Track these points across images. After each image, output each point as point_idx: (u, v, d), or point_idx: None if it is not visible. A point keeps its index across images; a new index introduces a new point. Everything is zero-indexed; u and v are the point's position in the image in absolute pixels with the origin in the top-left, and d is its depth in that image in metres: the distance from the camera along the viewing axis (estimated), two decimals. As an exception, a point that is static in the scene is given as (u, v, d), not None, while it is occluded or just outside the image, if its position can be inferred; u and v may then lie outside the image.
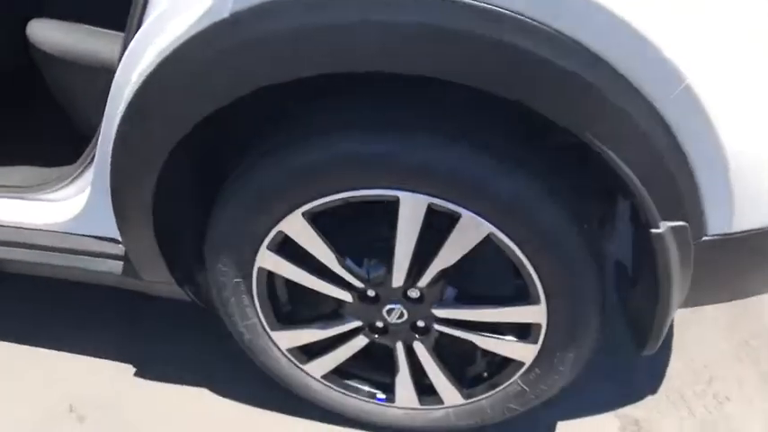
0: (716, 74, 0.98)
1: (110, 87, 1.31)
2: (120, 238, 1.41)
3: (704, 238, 1.12)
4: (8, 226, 1.48)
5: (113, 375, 1.69)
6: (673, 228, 1.09)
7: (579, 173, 1.22)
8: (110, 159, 1.19)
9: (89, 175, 1.38)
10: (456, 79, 0.95)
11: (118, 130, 1.13)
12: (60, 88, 1.51)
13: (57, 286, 1.75)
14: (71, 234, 1.45)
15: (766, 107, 1.03)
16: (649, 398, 1.60)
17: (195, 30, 0.98)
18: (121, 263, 1.44)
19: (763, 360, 1.69)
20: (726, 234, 1.12)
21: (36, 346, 1.76)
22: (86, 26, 1.46)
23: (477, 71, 0.95)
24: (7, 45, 1.63)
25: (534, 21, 0.92)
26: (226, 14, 0.95)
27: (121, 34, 1.44)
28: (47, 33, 1.46)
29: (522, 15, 0.92)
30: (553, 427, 1.54)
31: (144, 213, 1.23)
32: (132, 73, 1.11)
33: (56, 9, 1.53)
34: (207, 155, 1.25)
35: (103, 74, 1.38)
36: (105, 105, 1.30)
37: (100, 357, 1.73)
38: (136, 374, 1.69)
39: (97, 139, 1.32)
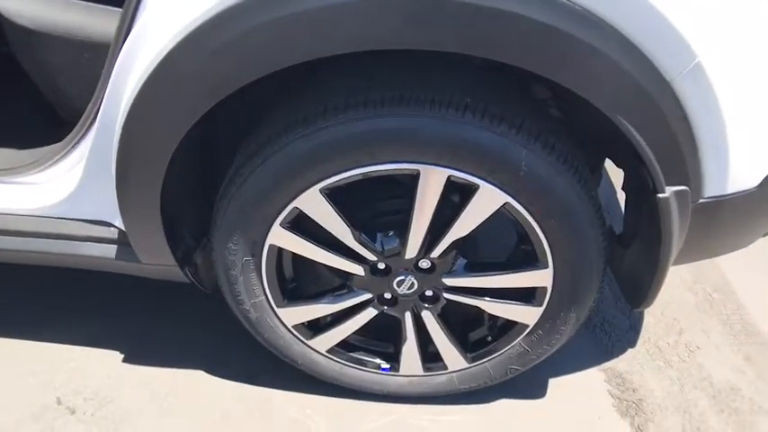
0: (724, 51, 1.05)
1: (96, 64, 1.26)
2: (112, 221, 1.36)
3: (700, 201, 1.20)
4: (-14, 213, 1.40)
5: (100, 366, 1.63)
6: (676, 192, 1.16)
7: (581, 143, 1.27)
8: (116, 144, 1.14)
9: (75, 156, 1.32)
10: (498, 58, 0.98)
11: (129, 115, 1.09)
12: (37, 66, 1.43)
13: (34, 274, 1.68)
14: (57, 218, 1.39)
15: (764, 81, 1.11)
16: (629, 351, 1.71)
17: (221, 7, 0.95)
18: (115, 246, 1.39)
19: (725, 311, 1.83)
20: (719, 196, 1.21)
21: (13, 338, 1.68)
22: (62, -3, 1.38)
23: (520, 51, 0.99)
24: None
25: (571, 2, 0.95)
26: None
27: (102, 6, 1.38)
28: (20, 5, 1.37)
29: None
30: (545, 384, 1.61)
31: (152, 194, 1.19)
32: (143, 54, 1.06)
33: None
34: (218, 134, 1.22)
35: (86, 49, 1.32)
36: (92, 83, 1.25)
37: (84, 346, 1.67)
38: (125, 362, 1.64)
39: (87, 121, 1.26)
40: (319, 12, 0.97)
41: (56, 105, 1.48)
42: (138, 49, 1.08)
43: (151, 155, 1.13)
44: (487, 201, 1.18)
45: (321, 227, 1.24)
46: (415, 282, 1.32)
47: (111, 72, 1.16)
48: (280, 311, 1.38)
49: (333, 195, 1.20)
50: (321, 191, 1.17)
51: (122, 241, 1.37)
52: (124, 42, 1.13)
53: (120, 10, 1.29)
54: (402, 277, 1.32)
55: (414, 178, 1.16)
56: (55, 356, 1.65)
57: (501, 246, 1.38)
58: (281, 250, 1.30)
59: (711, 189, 1.20)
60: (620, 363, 1.68)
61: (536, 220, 1.21)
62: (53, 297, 1.80)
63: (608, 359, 1.69)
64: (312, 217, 1.22)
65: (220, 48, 0.99)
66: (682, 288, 1.89)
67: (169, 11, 1.04)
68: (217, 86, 1.03)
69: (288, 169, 1.14)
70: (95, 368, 1.62)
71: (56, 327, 1.71)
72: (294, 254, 1.32)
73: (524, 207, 1.19)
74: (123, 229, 1.33)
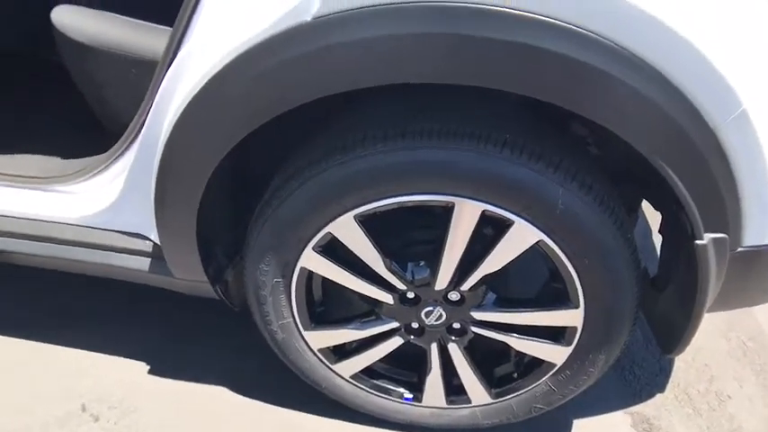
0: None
1: (143, 80, 1.29)
2: (148, 235, 1.38)
3: (739, 249, 1.18)
4: (27, 218, 1.44)
5: (124, 375, 1.65)
6: (714, 239, 1.14)
7: (620, 185, 1.26)
8: (158, 161, 1.16)
9: (117, 168, 1.35)
10: (547, 99, 0.99)
11: (172, 135, 1.11)
12: (85, 78, 1.46)
13: (67, 281, 1.71)
14: (95, 228, 1.42)
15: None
16: (657, 396, 1.67)
17: (274, 31, 0.97)
18: (149, 259, 1.41)
19: (759, 360, 1.78)
20: (759, 246, 1.18)
21: (44, 342, 1.72)
22: (114, 14, 1.42)
23: (568, 94, 1.00)
24: (28, 31, 1.57)
25: (618, 45, 0.95)
26: (308, 18, 0.94)
27: (152, 25, 1.41)
28: (74, 20, 1.41)
29: (606, 38, 0.95)
30: (569, 425, 1.58)
31: (189, 213, 1.21)
32: (189, 74, 1.09)
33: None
34: (252, 159, 1.24)
35: (135, 65, 1.36)
36: (138, 98, 1.28)
37: (110, 355, 1.70)
38: (150, 373, 1.66)
39: (131, 135, 1.29)
40: (370, 42, 0.98)
41: (101, 117, 1.52)
42: (185, 70, 1.11)
43: (190, 174, 1.15)
44: (521, 237, 1.17)
45: (353, 253, 1.25)
46: (444, 313, 1.31)
47: (157, 89, 1.19)
48: (306, 334, 1.38)
49: (366, 222, 1.20)
50: (355, 217, 1.18)
51: (157, 255, 1.39)
52: (172, 62, 1.16)
53: (169, 29, 1.32)
54: (431, 308, 1.31)
55: (448, 210, 1.16)
56: (83, 363, 1.67)
57: (531, 282, 1.37)
58: (311, 273, 1.31)
59: (751, 238, 1.17)
60: (647, 407, 1.64)
61: (569, 260, 1.19)
62: (86, 304, 1.83)
63: (635, 403, 1.65)
64: (345, 243, 1.22)
65: (267, 73, 1.01)
66: (715, 334, 1.84)
67: (219, 33, 1.06)
68: (260, 111, 1.05)
69: (324, 195, 1.15)
70: (121, 377, 1.64)
71: (86, 334, 1.74)
72: (324, 277, 1.32)
73: (558, 246, 1.18)
74: (158, 243, 1.35)
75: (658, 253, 1.48)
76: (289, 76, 1.01)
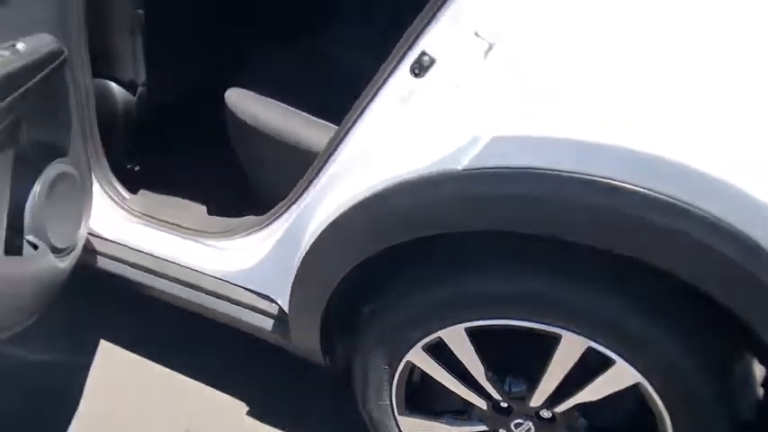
0: None
1: (298, 164, 1.45)
2: (276, 299, 1.54)
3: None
4: (177, 264, 1.64)
5: (229, 408, 1.83)
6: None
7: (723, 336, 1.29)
8: (311, 241, 1.32)
9: (263, 235, 1.52)
10: (650, 260, 1.08)
11: (331, 225, 1.27)
12: (246, 152, 1.66)
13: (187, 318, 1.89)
14: (232, 284, 1.59)
15: None
16: None
17: (425, 171, 1.12)
18: (273, 321, 1.56)
19: None
20: None
21: (175, 369, 1.94)
22: (280, 104, 1.61)
23: (678, 262, 1.07)
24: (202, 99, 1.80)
25: (721, 220, 1.02)
26: (458, 167, 1.08)
27: (312, 118, 1.58)
28: (244, 103, 1.61)
29: (719, 219, 1.01)
30: None
31: (323, 294, 1.36)
32: (350, 178, 1.26)
33: (251, 79, 1.69)
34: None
35: (295, 153, 1.53)
36: (290, 177, 1.44)
37: (217, 389, 1.88)
38: (251, 410, 1.82)
39: (283, 209, 1.45)
40: (513, 197, 1.10)
41: (253, 185, 1.71)
42: (343, 173, 1.27)
43: (334, 267, 1.31)
44: (620, 377, 1.23)
45: (457, 357, 1.35)
46: (533, 428, 1.38)
47: (313, 179, 1.35)
48: (400, 419, 1.49)
49: (474, 332, 1.30)
50: (466, 329, 1.28)
51: (280, 318, 1.55)
52: (328, 159, 1.32)
53: (326, 124, 1.49)
54: (521, 420, 1.38)
55: (555, 339, 1.24)
56: (198, 394, 1.87)
57: (621, 407, 1.40)
58: (414, 366, 1.42)
59: None
60: None
61: (663, 402, 1.24)
62: (204, 338, 2.00)
63: None
64: (452, 349, 1.33)
65: (416, 205, 1.16)
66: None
67: (377, 155, 1.22)
68: (404, 230, 1.20)
69: (441, 306, 1.27)
70: (226, 408, 1.83)
71: (198, 364, 1.93)
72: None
73: (655, 389, 1.22)
74: (284, 309, 1.51)
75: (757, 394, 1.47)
76: (435, 210, 1.15)
